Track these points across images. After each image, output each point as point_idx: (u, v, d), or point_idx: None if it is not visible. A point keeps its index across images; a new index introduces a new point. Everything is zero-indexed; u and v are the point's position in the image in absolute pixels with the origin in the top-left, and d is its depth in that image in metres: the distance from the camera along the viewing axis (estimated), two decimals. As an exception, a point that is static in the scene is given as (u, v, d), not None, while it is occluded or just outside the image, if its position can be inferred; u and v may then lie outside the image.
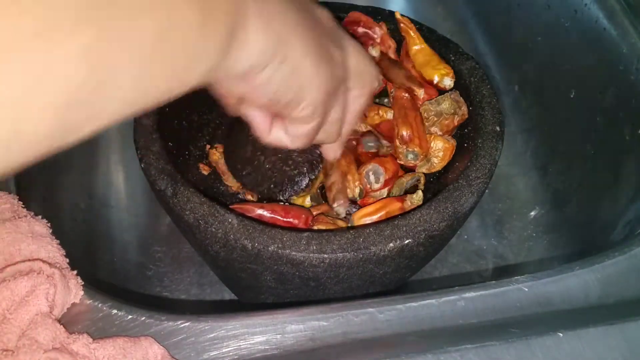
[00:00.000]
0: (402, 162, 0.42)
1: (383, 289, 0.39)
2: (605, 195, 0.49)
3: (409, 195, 0.39)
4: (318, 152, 0.40)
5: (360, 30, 0.47)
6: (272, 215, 0.39)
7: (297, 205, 0.42)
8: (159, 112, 0.40)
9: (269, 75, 0.27)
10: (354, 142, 0.44)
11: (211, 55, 0.23)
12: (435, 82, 0.44)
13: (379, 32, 0.47)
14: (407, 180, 0.41)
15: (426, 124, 0.43)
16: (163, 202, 0.37)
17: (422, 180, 0.41)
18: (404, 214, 0.36)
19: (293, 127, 0.32)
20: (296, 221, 0.39)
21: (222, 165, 0.44)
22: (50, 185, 0.47)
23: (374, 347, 0.32)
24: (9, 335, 0.29)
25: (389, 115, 0.43)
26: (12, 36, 0.16)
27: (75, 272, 0.33)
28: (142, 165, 0.37)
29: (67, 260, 0.34)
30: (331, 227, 0.39)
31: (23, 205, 0.36)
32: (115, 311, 0.32)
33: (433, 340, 0.32)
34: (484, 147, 0.39)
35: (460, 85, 0.44)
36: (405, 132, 0.41)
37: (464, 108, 0.42)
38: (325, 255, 0.33)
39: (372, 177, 0.40)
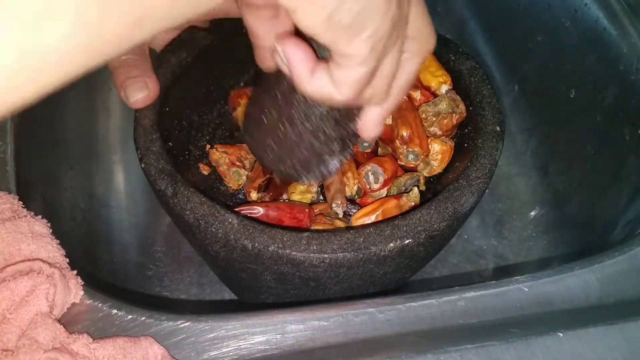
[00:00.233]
0: (402, 163, 0.42)
1: (383, 289, 0.39)
2: (606, 195, 0.49)
3: (405, 194, 0.39)
4: (353, 127, 0.33)
5: None
6: (278, 213, 0.39)
7: (297, 202, 0.42)
8: (159, 112, 0.40)
9: None
10: None
11: None
12: (432, 88, 0.44)
13: None
14: (405, 180, 0.41)
15: (425, 124, 0.43)
16: (163, 202, 0.37)
17: (422, 180, 0.41)
18: (404, 214, 0.36)
19: (342, 71, 0.26)
20: (301, 215, 0.39)
21: (222, 166, 0.44)
22: (50, 185, 0.47)
23: (374, 347, 0.32)
24: (8, 335, 0.29)
25: (388, 120, 0.43)
26: None
27: (75, 272, 0.33)
28: (142, 165, 0.37)
29: (67, 260, 0.34)
30: (329, 227, 0.39)
31: (23, 205, 0.36)
32: (115, 311, 0.32)
33: (433, 340, 0.32)
34: (484, 147, 0.39)
35: (460, 85, 0.44)
36: (405, 132, 0.41)
37: (462, 106, 0.42)
38: (326, 255, 0.33)
39: (371, 177, 0.40)
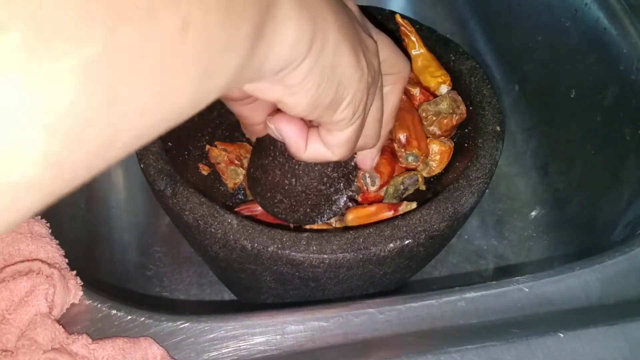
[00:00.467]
0: (403, 165, 0.42)
1: (383, 289, 0.39)
2: (606, 195, 0.49)
3: (403, 204, 0.39)
4: (353, 163, 0.36)
5: None
6: None
7: None
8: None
9: (307, 69, 0.23)
10: None
11: (239, 52, 0.19)
12: (431, 89, 0.44)
13: None
14: (403, 179, 0.41)
15: (425, 123, 0.42)
16: (162, 203, 0.37)
17: (421, 180, 0.41)
18: (404, 214, 0.36)
19: (332, 136, 0.28)
20: None
21: (220, 163, 0.44)
22: (50, 185, 0.47)
23: (374, 347, 0.31)
24: (8, 336, 0.29)
25: None
26: None
27: (74, 272, 0.33)
28: (142, 166, 0.37)
29: (67, 260, 0.34)
30: (325, 226, 0.39)
31: (22, 206, 0.36)
32: (114, 311, 0.32)
33: (433, 340, 0.32)
34: (484, 147, 0.39)
35: (460, 85, 0.44)
36: (402, 136, 0.40)
37: (462, 107, 0.42)
38: (325, 256, 0.33)
39: (368, 180, 0.40)
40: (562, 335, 0.32)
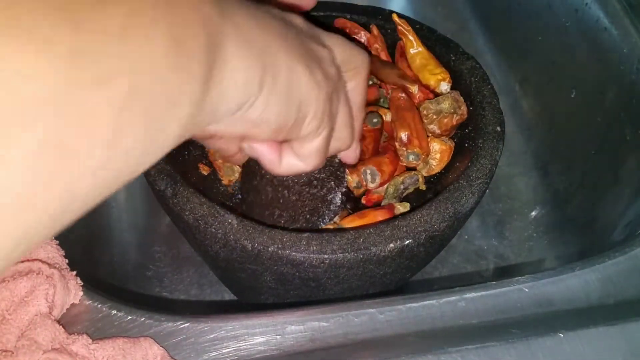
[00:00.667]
0: (404, 164, 0.42)
1: (383, 289, 0.39)
2: (606, 195, 0.49)
3: (396, 206, 0.39)
4: (337, 160, 0.37)
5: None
6: None
7: None
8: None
9: (264, 103, 0.24)
10: None
11: (188, 103, 0.19)
12: (431, 87, 0.44)
13: (364, 36, 0.47)
14: (403, 178, 0.41)
15: (425, 121, 0.42)
16: (162, 203, 0.37)
17: (421, 179, 0.41)
18: (404, 214, 0.36)
19: (303, 148, 0.29)
20: None
21: (218, 160, 0.44)
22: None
23: (374, 347, 0.31)
24: (8, 336, 0.29)
25: (388, 117, 0.43)
26: None
27: (74, 272, 0.33)
28: (142, 166, 0.37)
29: (67, 260, 0.34)
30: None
31: (22, 206, 0.36)
32: (114, 312, 0.32)
33: (433, 340, 0.32)
34: (484, 147, 0.39)
35: (460, 85, 0.44)
36: (403, 135, 0.40)
37: (464, 108, 0.42)
38: (326, 256, 0.33)
39: (369, 177, 0.40)
40: (562, 335, 0.32)
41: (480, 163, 0.38)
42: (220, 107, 0.22)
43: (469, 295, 0.34)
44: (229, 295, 0.54)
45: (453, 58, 0.45)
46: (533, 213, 0.59)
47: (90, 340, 0.30)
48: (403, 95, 0.43)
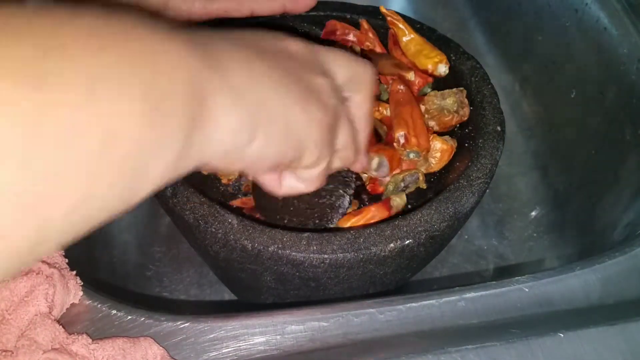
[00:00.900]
0: (405, 164, 0.41)
1: (383, 289, 0.39)
2: (606, 195, 0.49)
3: (392, 198, 0.39)
4: (345, 169, 0.38)
5: (338, 38, 0.47)
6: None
7: None
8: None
9: (259, 148, 0.24)
10: None
11: (170, 148, 0.20)
12: (429, 70, 0.44)
13: (352, 36, 0.47)
14: (404, 176, 0.40)
15: (426, 116, 0.42)
16: (163, 203, 0.37)
17: (422, 178, 0.41)
18: (405, 214, 0.36)
19: (303, 173, 0.30)
20: None
21: None
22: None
23: (374, 347, 0.31)
24: (8, 336, 0.29)
25: (388, 112, 0.43)
26: None
27: (74, 272, 0.33)
28: (142, 165, 0.37)
29: (66, 260, 0.34)
30: None
31: (22, 205, 0.36)
32: (114, 311, 0.32)
33: (433, 340, 0.32)
34: (484, 147, 0.39)
35: (460, 85, 0.44)
36: (400, 135, 0.40)
37: (466, 110, 0.42)
38: (326, 256, 0.33)
39: (375, 165, 0.40)
40: (562, 335, 0.32)
41: (481, 163, 0.38)
42: (207, 151, 0.22)
43: (468, 295, 0.34)
44: (228, 295, 0.54)
45: (453, 58, 0.45)
46: (533, 213, 0.59)
47: (90, 340, 0.30)
48: (402, 87, 0.43)
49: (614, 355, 0.31)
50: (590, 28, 0.50)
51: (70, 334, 0.30)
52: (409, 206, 0.41)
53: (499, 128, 0.40)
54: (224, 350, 0.31)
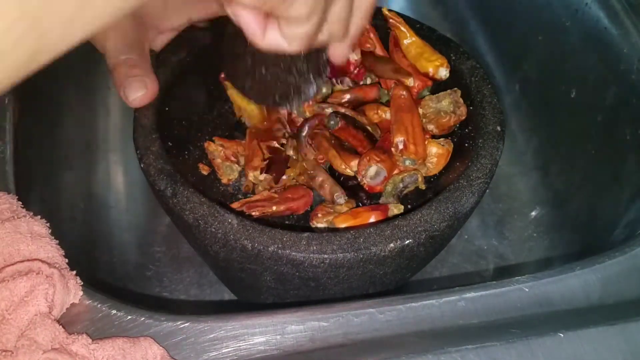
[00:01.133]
0: (401, 169, 0.41)
1: (383, 289, 0.39)
2: (606, 195, 0.49)
3: (390, 208, 0.39)
4: (325, 57, 0.36)
5: None
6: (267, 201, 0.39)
7: (296, 185, 0.42)
8: (159, 112, 0.40)
9: None
10: (324, 131, 0.43)
11: None
12: (430, 74, 0.44)
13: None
14: (403, 177, 0.40)
15: (424, 120, 0.42)
16: (163, 202, 0.37)
17: (421, 179, 0.41)
18: (404, 214, 0.36)
19: (290, 27, 0.28)
20: (295, 201, 0.40)
21: (217, 158, 0.44)
22: (50, 185, 0.47)
23: (374, 347, 0.31)
24: (8, 336, 0.29)
25: (388, 115, 0.43)
26: None
27: (74, 272, 0.33)
28: (142, 165, 0.37)
29: (66, 260, 0.34)
30: (333, 214, 0.39)
31: (22, 205, 0.36)
32: (114, 311, 0.32)
33: (433, 340, 0.32)
34: (484, 147, 0.39)
35: (460, 85, 0.44)
36: (399, 141, 0.40)
37: (463, 109, 0.42)
38: (326, 256, 0.33)
39: (372, 175, 0.40)
40: (562, 335, 0.32)
41: (481, 163, 0.38)
42: None
43: (468, 295, 0.34)
44: (228, 295, 0.54)
45: (453, 58, 0.45)
46: (533, 213, 0.59)
47: (90, 340, 0.30)
48: (404, 93, 0.43)
49: (614, 355, 0.31)
50: (590, 28, 0.50)
51: (70, 334, 0.30)
52: (409, 206, 0.41)
53: (498, 128, 0.40)
54: (224, 350, 0.31)
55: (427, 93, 0.45)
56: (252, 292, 0.42)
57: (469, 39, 0.65)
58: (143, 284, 0.54)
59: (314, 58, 0.35)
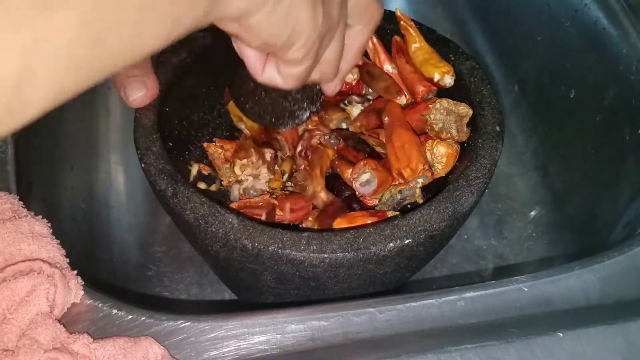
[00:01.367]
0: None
1: (383, 288, 0.39)
2: (605, 195, 0.49)
3: (388, 213, 0.39)
4: (318, 88, 0.40)
5: None
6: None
7: (297, 193, 0.42)
8: (159, 112, 0.40)
9: (263, 17, 0.27)
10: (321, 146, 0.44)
11: (201, 8, 0.24)
12: (435, 80, 0.44)
13: None
14: (401, 189, 0.40)
15: (427, 129, 0.42)
16: (163, 202, 0.37)
17: (418, 192, 0.41)
18: (404, 213, 0.36)
19: (285, 67, 0.31)
20: (294, 212, 0.40)
21: (217, 159, 0.44)
22: (51, 185, 0.47)
23: (374, 347, 0.32)
24: (9, 335, 0.29)
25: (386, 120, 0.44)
26: (10, 11, 0.18)
27: (75, 272, 0.33)
28: (143, 165, 0.38)
29: (68, 260, 0.34)
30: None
31: (23, 205, 0.36)
32: (115, 311, 0.32)
33: (433, 340, 0.32)
34: (484, 147, 0.39)
35: (460, 86, 0.44)
36: (396, 174, 0.40)
37: (463, 135, 0.42)
38: (325, 255, 0.33)
39: (363, 182, 0.40)
40: (561, 334, 0.32)
41: (480, 163, 0.38)
42: (226, 13, 0.25)
43: (468, 294, 0.34)
44: (229, 295, 0.54)
45: (452, 58, 0.45)
46: (532, 213, 0.59)
47: (91, 340, 0.30)
48: (397, 110, 0.43)
49: (613, 355, 0.32)
50: (589, 28, 0.50)
51: (71, 333, 0.30)
52: (409, 206, 0.41)
53: (498, 128, 0.40)
54: (224, 350, 0.31)
55: (432, 96, 0.45)
56: (253, 291, 0.42)
57: (469, 39, 0.65)
58: (144, 284, 0.54)
59: (308, 89, 0.39)
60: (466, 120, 0.41)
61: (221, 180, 0.44)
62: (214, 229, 0.34)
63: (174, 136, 0.42)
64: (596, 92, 0.50)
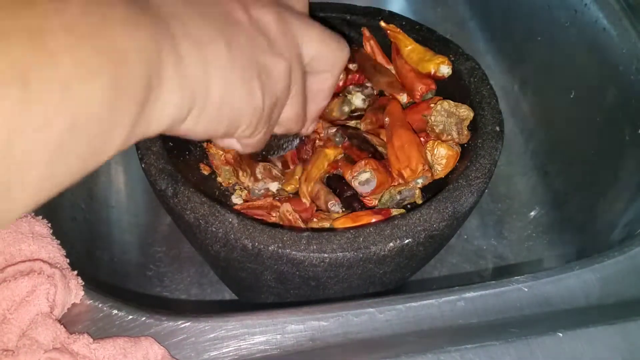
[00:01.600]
0: (399, 182, 0.41)
1: (383, 288, 0.39)
2: (605, 195, 0.50)
3: (392, 212, 0.39)
4: None
5: None
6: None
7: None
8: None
9: (192, 124, 0.26)
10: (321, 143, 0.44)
11: (124, 129, 0.22)
12: (433, 73, 0.44)
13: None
14: (400, 189, 0.40)
15: (428, 130, 0.42)
16: (163, 202, 0.37)
17: (418, 193, 0.40)
18: (404, 213, 0.36)
19: (240, 139, 0.32)
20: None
21: (217, 160, 0.44)
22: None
23: (374, 347, 0.32)
24: (9, 335, 0.29)
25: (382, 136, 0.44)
26: None
27: (75, 272, 0.33)
28: (143, 165, 0.38)
29: (68, 260, 0.34)
30: (329, 219, 0.39)
31: (23, 206, 0.36)
32: (115, 311, 0.32)
33: (433, 340, 0.32)
34: (483, 147, 0.39)
35: (460, 86, 0.44)
36: (396, 174, 0.40)
37: (463, 137, 0.41)
38: (325, 255, 0.33)
39: (362, 181, 0.40)
40: (561, 335, 0.32)
41: (480, 163, 0.38)
42: (152, 126, 0.24)
43: (468, 294, 0.34)
44: (229, 295, 0.54)
45: (452, 58, 0.45)
46: (532, 213, 0.59)
47: (91, 340, 0.30)
48: (397, 109, 0.43)
49: (613, 355, 0.32)
50: (589, 28, 0.50)
51: (71, 333, 0.30)
52: (408, 206, 0.41)
53: (497, 128, 0.40)
54: (224, 350, 0.31)
55: (431, 95, 0.45)
56: (253, 291, 0.42)
57: (469, 39, 0.65)
58: (144, 284, 0.54)
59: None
60: (467, 122, 0.41)
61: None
62: (214, 229, 0.34)
63: (174, 136, 0.42)
64: (596, 92, 0.50)
